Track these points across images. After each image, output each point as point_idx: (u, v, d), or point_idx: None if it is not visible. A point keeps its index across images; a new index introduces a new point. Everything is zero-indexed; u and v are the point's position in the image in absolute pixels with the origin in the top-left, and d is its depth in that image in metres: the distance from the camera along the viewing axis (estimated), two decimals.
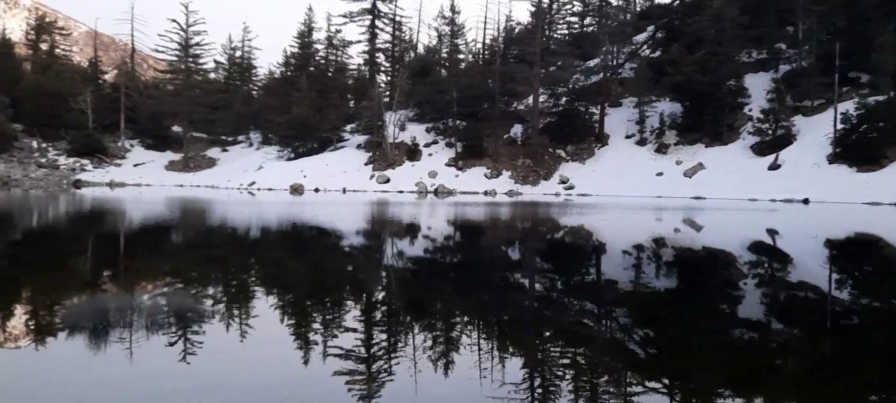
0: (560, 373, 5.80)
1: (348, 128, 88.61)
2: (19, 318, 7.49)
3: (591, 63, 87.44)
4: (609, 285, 10.44)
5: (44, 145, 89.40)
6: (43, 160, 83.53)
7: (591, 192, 66.54)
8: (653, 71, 79.99)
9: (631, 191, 64.25)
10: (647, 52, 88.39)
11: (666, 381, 5.63)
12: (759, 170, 62.70)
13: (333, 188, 67.70)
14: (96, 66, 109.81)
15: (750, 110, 72.96)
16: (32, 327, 7.07)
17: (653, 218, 28.73)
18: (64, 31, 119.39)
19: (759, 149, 67.07)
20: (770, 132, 67.24)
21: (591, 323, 7.99)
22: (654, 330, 7.68)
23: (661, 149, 75.10)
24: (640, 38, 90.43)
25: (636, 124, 79.56)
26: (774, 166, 62.09)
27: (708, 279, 11.85)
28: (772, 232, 21.88)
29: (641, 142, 78.00)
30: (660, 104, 78.60)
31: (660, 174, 69.88)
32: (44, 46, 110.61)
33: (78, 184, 69.72)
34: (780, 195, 54.24)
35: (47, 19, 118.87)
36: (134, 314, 7.49)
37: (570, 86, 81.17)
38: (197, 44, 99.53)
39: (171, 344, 6.26)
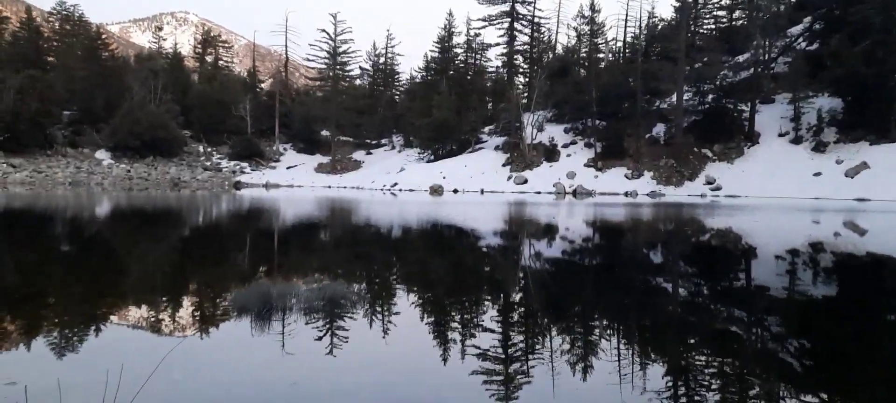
0: (705, 383, 5.58)
1: (486, 129, 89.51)
2: (201, 302, 8.33)
3: (741, 58, 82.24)
4: (760, 291, 9.84)
5: (209, 149, 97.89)
6: (208, 163, 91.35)
7: (740, 194, 62.73)
8: (809, 64, 73.81)
9: (784, 192, 59.90)
10: (804, 44, 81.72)
11: (824, 396, 5.26)
12: None
13: (471, 189, 68.62)
14: (254, 75, 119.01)
15: None
16: (209, 311, 7.83)
17: (809, 221, 26.65)
18: (227, 45, 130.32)
19: None
20: None
21: (740, 330, 7.59)
22: (810, 340, 7.17)
23: (819, 147, 69.26)
24: (796, 30, 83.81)
25: (791, 121, 73.91)
26: None
27: (873, 287, 10.85)
28: None
29: (796, 141, 72.35)
30: (817, 100, 72.47)
31: (817, 174, 64.53)
32: (209, 59, 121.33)
33: (238, 186, 75.49)
34: None
35: (213, 34, 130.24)
36: (289, 304, 8.07)
37: (718, 82, 76.88)
38: (344, 52, 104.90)
39: (319, 338, 6.68)
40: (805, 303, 9.04)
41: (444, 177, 73.18)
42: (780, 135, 74.08)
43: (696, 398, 5.17)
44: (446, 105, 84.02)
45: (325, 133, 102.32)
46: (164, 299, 8.65)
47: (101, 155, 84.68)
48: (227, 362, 5.88)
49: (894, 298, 9.69)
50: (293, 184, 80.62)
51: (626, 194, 65.25)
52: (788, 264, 13.09)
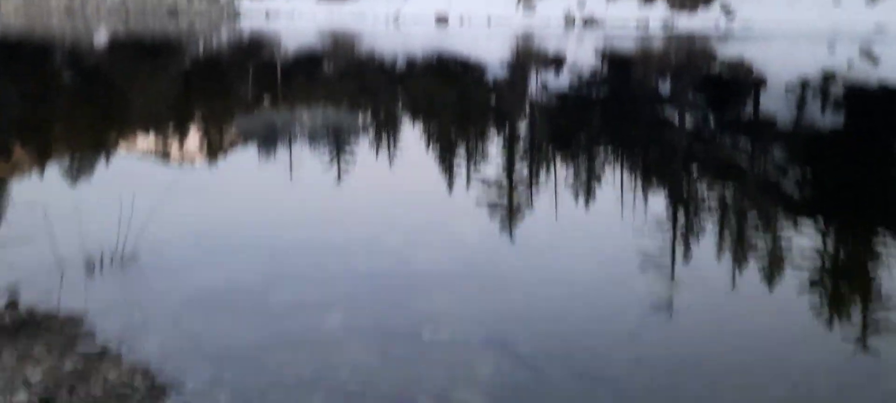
0: (705, 211, 5.65)
1: None
2: (208, 132, 8.34)
3: None
4: (767, 123, 9.75)
5: None
6: None
7: (756, 21, 60.75)
8: None
9: (803, 20, 57.95)
10: None
11: (821, 226, 5.32)
12: None
13: (478, 17, 66.53)
14: None
15: None
16: (215, 140, 7.86)
17: (824, 51, 25.95)
18: None
19: None
20: None
21: (744, 162, 7.59)
22: (813, 171, 7.19)
23: None
24: None
25: None
26: None
27: (882, 119, 10.71)
28: None
29: None
30: None
31: (837, 1, 62.04)
32: None
33: (237, 16, 73.33)
34: None
35: None
36: (295, 133, 8.09)
37: None
38: None
39: (325, 166, 6.72)
40: (811, 135, 8.98)
41: (449, 3, 70.79)
42: None
43: (696, 227, 5.24)
44: None
45: None
46: (169, 129, 8.65)
47: None
48: (231, 191, 5.95)
49: None
50: (294, 14, 78.24)
51: (637, 24, 63.28)
52: (798, 95, 12.86)
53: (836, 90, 13.48)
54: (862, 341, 3.30)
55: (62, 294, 3.42)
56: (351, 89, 13.20)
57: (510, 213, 5.55)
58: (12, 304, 3.20)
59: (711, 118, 10.49)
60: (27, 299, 3.30)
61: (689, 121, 10.18)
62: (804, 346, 3.28)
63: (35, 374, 2.44)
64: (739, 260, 4.48)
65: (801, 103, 11.76)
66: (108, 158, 6.96)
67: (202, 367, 2.73)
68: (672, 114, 10.60)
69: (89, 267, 3.76)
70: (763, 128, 9.35)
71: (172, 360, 2.77)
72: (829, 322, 3.56)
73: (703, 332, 3.37)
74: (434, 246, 4.59)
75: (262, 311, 3.35)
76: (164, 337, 3.00)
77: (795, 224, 5.37)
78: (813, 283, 4.02)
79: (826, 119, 10.29)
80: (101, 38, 27.22)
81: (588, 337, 3.29)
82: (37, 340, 2.84)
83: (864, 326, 3.51)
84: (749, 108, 11.75)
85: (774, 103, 11.95)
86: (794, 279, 4.06)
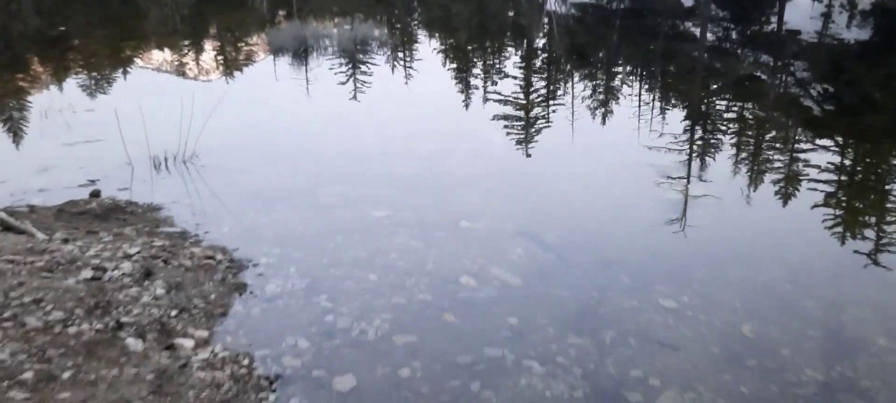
0: (723, 127, 5.81)
1: None
2: (235, 45, 8.61)
3: None
4: (791, 35, 9.76)
5: None
6: None
7: None
8: None
9: None
10: None
11: (839, 140, 5.48)
12: None
13: None
14: None
15: None
16: (246, 54, 8.15)
17: None
18: None
19: None
20: None
21: (765, 75, 7.74)
22: (835, 86, 7.27)
23: None
24: None
25: None
26: None
27: None
28: None
29: None
30: None
31: None
32: None
33: None
34: None
35: None
36: (321, 45, 8.28)
37: None
38: None
39: (342, 84, 6.96)
40: (834, 48, 9.00)
41: None
42: None
43: (712, 141, 5.45)
44: None
45: None
46: (206, 43, 8.91)
47: None
48: (271, 101, 6.26)
49: None
50: None
51: None
52: (824, 6, 12.70)
53: (863, 2, 13.28)
54: (866, 248, 3.64)
55: (136, 186, 3.83)
56: (365, 2, 13.15)
57: (533, 124, 5.80)
58: (95, 193, 3.60)
59: (733, 31, 10.53)
60: (107, 191, 3.70)
61: (710, 34, 10.23)
62: (806, 243, 3.63)
63: (132, 248, 2.85)
64: (754, 171, 4.76)
65: (826, 16, 11.65)
66: (136, 72, 7.27)
67: (271, 248, 3.14)
68: (693, 27, 10.64)
69: (156, 166, 4.16)
70: (786, 42, 9.38)
71: (244, 242, 3.18)
72: (836, 228, 3.88)
73: (714, 231, 3.70)
74: (465, 151, 4.92)
75: (314, 205, 3.73)
76: (232, 225, 3.40)
77: (813, 137, 5.55)
78: (823, 194, 4.27)
79: (851, 33, 10.26)
80: None
81: (608, 231, 3.65)
82: (125, 224, 3.25)
83: (873, 236, 3.83)
84: (773, 21, 11.69)
85: (799, 16, 11.87)
86: (805, 190, 4.32)
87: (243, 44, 9.06)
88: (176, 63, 7.80)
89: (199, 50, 8.55)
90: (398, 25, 10.49)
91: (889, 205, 4.13)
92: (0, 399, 1.82)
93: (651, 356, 2.45)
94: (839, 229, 3.79)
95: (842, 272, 3.28)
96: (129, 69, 7.25)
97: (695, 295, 2.90)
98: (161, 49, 8.53)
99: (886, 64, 8.18)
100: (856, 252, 3.44)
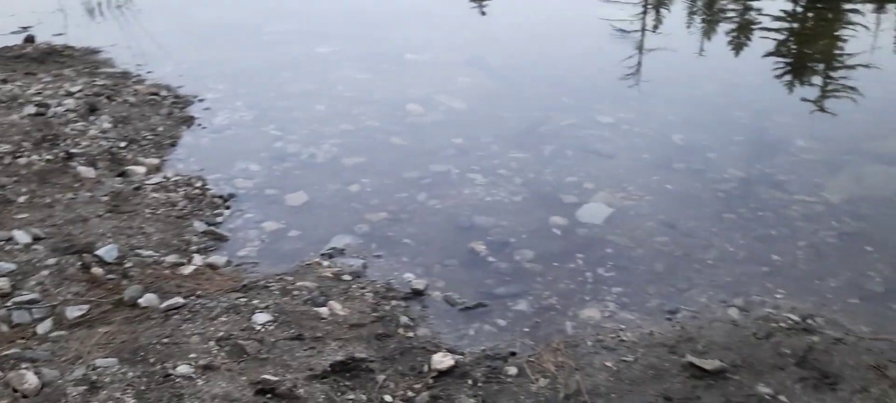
0: None
1: None
2: None
3: None
4: None
5: None
6: None
7: None
8: None
9: None
10: None
11: None
12: None
13: None
14: None
15: None
16: None
17: None
18: None
19: None
20: None
21: None
22: None
23: None
24: None
25: None
26: None
27: None
28: None
29: None
30: None
31: None
32: None
33: None
34: None
35: None
36: None
37: None
38: None
39: None
40: None
41: None
42: None
43: None
44: None
45: None
46: None
47: None
48: None
49: None
50: None
51: None
52: None
53: None
54: (816, 96, 3.76)
55: (71, 32, 3.72)
56: None
57: None
58: (30, 39, 3.50)
59: None
60: (42, 37, 3.59)
61: None
62: (740, 61, 3.76)
63: (74, 87, 2.83)
64: (707, 25, 4.67)
65: None
66: None
67: (216, 84, 3.14)
68: None
69: (90, 11, 4.02)
70: None
71: (188, 79, 3.17)
72: (787, 77, 3.98)
73: (656, 57, 3.79)
74: None
75: (260, 42, 3.70)
76: (175, 63, 3.37)
77: None
78: (776, 45, 4.19)
79: None
80: None
81: (552, 58, 3.72)
82: (63, 66, 3.19)
83: (821, 84, 3.84)
84: None
85: None
86: (755, 42, 4.24)
87: None
88: None
89: None
90: None
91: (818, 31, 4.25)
92: None
93: (587, 164, 2.59)
94: (771, 47, 3.91)
95: (769, 84, 3.43)
96: None
97: (631, 111, 3.03)
98: None
99: None
100: (779, 66, 3.59)
